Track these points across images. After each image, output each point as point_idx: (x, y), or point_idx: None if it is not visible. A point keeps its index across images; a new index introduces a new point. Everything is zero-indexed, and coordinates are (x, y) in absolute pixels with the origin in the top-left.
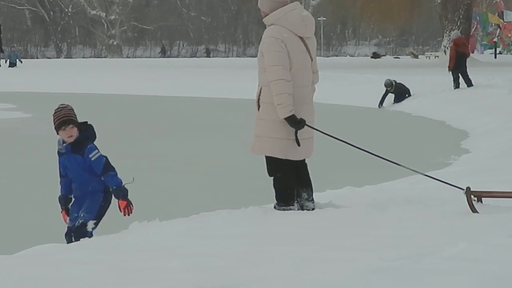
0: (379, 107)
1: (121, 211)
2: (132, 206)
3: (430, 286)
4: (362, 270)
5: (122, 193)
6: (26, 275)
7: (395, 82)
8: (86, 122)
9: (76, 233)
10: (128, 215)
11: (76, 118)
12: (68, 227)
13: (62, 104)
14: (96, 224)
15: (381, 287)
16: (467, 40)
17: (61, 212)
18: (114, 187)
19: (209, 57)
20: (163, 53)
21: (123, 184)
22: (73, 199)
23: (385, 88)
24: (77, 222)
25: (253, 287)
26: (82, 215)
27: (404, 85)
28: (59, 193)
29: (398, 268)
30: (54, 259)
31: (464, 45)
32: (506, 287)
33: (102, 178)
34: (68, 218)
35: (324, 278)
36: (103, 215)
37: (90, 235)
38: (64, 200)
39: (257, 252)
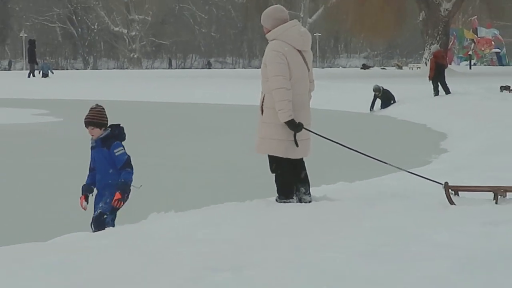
0: (370, 110)
1: (112, 201)
2: (123, 203)
3: (412, 268)
4: (352, 254)
5: (123, 188)
6: (57, 260)
7: (382, 88)
8: (119, 124)
9: (95, 221)
10: (116, 206)
11: (101, 119)
12: (92, 217)
13: (94, 105)
14: (113, 214)
15: (368, 269)
16: (445, 53)
17: (81, 196)
18: (122, 180)
19: (210, 68)
20: (170, 65)
21: (131, 184)
22: (95, 191)
23: (373, 93)
24: (97, 211)
25: (257, 269)
26: (101, 206)
27: (390, 92)
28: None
29: (384, 253)
30: (83, 246)
31: (443, 57)
32: (479, 269)
33: (120, 171)
34: (85, 204)
35: (319, 261)
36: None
37: (110, 225)
38: (86, 187)
39: (261, 239)
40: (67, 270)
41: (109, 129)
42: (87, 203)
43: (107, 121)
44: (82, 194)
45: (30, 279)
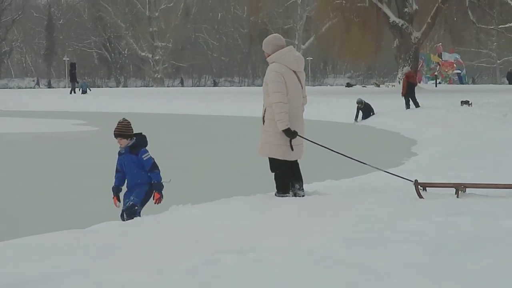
0: (355, 120)
1: (153, 200)
2: (162, 199)
3: (388, 251)
4: (339, 240)
5: (159, 188)
6: (94, 245)
7: (364, 101)
8: (141, 133)
9: (127, 211)
10: (158, 204)
11: (127, 131)
12: (122, 210)
13: (121, 119)
14: (142, 206)
15: (352, 252)
16: (415, 74)
17: (113, 198)
18: (155, 182)
19: (216, 86)
20: (182, 84)
21: (162, 181)
22: (122, 189)
23: (357, 106)
24: (128, 203)
25: (260, 253)
26: (132, 199)
27: (370, 105)
28: (113, 184)
29: (365, 238)
30: (116, 232)
31: (413, 77)
32: (444, 252)
33: (149, 174)
34: (118, 203)
35: (311, 245)
36: (147, 201)
37: (138, 215)
38: (116, 190)
39: (263, 227)
40: (106, 252)
41: (135, 138)
42: (120, 201)
43: (132, 132)
44: (114, 195)
45: (78, 260)
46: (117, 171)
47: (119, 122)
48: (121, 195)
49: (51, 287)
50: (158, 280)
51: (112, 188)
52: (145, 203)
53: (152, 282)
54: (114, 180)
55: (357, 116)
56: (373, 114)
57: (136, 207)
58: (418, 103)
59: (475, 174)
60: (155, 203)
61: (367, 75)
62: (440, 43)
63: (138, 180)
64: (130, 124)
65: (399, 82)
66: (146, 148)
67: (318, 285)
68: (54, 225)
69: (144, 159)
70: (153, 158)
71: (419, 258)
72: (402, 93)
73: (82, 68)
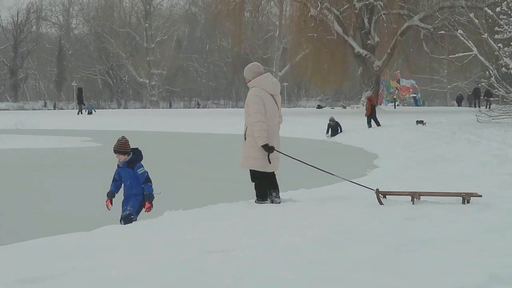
0: (326, 133)
1: (144, 209)
2: (152, 208)
3: (352, 250)
4: (311, 240)
5: (150, 199)
6: (99, 245)
7: (335, 120)
8: (137, 148)
9: (125, 220)
10: (148, 212)
11: (125, 148)
12: (121, 217)
13: (120, 138)
14: (137, 214)
15: (322, 251)
16: (376, 97)
17: (106, 201)
18: (147, 193)
19: (199, 108)
20: (170, 106)
21: (153, 192)
22: (119, 197)
23: (328, 123)
24: (125, 212)
25: (242, 251)
26: (128, 208)
27: (339, 123)
28: (109, 190)
29: (333, 239)
30: (116, 234)
31: (374, 100)
32: (402, 250)
33: (143, 186)
34: (110, 206)
35: (287, 245)
36: (141, 210)
37: (135, 220)
38: (110, 194)
39: (245, 229)
40: (107, 251)
41: (131, 153)
42: (112, 205)
43: (129, 149)
44: (108, 198)
45: (83, 258)
46: (114, 180)
47: (118, 140)
48: (116, 202)
49: (59, 282)
50: (152, 275)
51: (108, 192)
52: (139, 212)
53: (146, 277)
54: (110, 186)
55: (328, 131)
56: (341, 131)
57: (132, 216)
58: (379, 122)
59: (428, 184)
60: (146, 211)
61: (335, 98)
62: (399, 70)
63: (133, 191)
64: (128, 142)
65: (362, 104)
66: (141, 162)
67: (293, 279)
68: (63, 228)
69: (139, 173)
70: (147, 172)
71: (380, 256)
72: (366, 114)
73: (88, 92)
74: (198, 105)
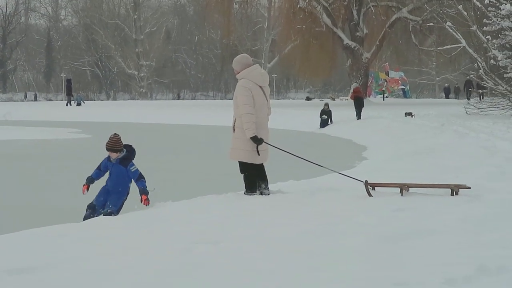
0: (320, 117)
1: (142, 202)
2: (149, 201)
3: (341, 241)
4: (300, 231)
5: (145, 192)
6: (88, 236)
7: (329, 109)
8: (131, 145)
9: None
10: (146, 205)
11: (117, 146)
12: (100, 214)
13: (112, 135)
14: (117, 213)
15: (311, 242)
16: (364, 89)
17: (84, 185)
18: (142, 188)
19: (180, 99)
20: (151, 97)
21: (147, 188)
22: (97, 185)
23: (322, 108)
24: (106, 210)
25: (230, 242)
26: (110, 206)
27: (331, 113)
28: (103, 184)
29: (322, 230)
30: (106, 225)
31: (360, 91)
32: (391, 242)
33: (136, 182)
34: (86, 191)
35: (275, 236)
36: (121, 208)
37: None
38: (90, 180)
39: (235, 220)
40: (97, 242)
41: (124, 150)
42: (88, 191)
43: (122, 146)
44: (85, 183)
45: (74, 249)
46: (98, 167)
47: (110, 137)
48: (94, 189)
49: (48, 273)
50: (140, 266)
51: (87, 177)
52: (120, 210)
53: (134, 268)
54: (92, 173)
55: (320, 116)
56: (331, 122)
57: (113, 214)
58: (360, 116)
59: (416, 176)
60: (144, 204)
61: (324, 90)
62: (387, 62)
63: (119, 188)
64: (120, 139)
65: (351, 96)
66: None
67: (281, 270)
68: (53, 219)
69: (132, 171)
70: (139, 170)
71: (368, 248)
72: (350, 97)
73: (77, 83)
74: (178, 97)
